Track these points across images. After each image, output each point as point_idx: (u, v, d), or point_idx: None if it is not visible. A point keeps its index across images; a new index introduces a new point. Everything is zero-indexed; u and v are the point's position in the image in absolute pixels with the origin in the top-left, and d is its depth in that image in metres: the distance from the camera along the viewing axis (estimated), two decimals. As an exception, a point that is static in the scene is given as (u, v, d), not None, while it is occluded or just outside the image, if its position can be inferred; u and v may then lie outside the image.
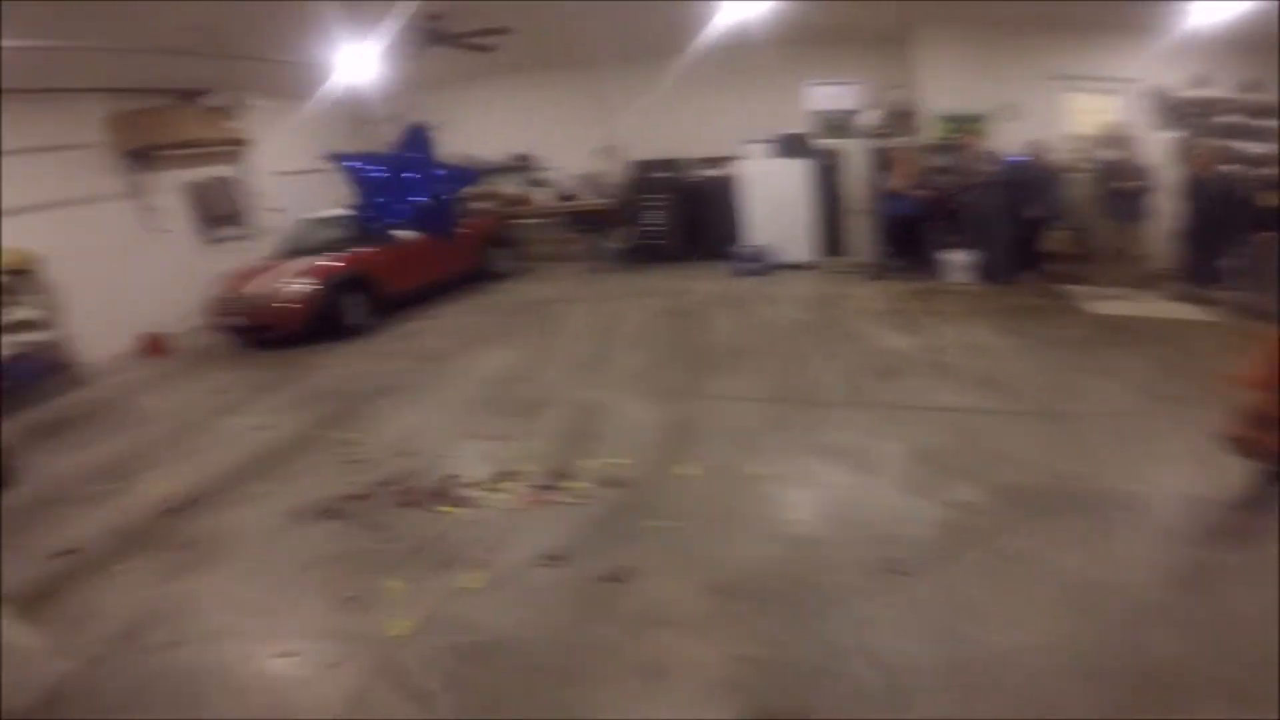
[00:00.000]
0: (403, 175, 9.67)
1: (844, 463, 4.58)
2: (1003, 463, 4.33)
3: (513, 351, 8.20)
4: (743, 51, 10.21)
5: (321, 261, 9.91)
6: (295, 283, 9.50)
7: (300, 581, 4.10)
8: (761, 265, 10.54)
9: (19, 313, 9.01)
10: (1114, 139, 9.47)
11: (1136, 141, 9.45)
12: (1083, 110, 10.06)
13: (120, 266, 10.12)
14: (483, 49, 8.89)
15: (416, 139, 10.04)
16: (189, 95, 10.59)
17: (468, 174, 11.79)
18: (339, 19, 7.49)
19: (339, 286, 9.74)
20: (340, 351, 9.10)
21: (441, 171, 10.54)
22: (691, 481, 4.63)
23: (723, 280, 10.38)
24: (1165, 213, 8.88)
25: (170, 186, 11.09)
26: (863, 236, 10.12)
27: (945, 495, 3.99)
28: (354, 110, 11.85)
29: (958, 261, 9.05)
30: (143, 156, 10.54)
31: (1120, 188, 9.05)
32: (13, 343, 8.87)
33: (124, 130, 10.31)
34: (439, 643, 3.36)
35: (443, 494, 4.85)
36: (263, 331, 9.64)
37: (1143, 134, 9.74)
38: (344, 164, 9.81)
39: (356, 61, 8.46)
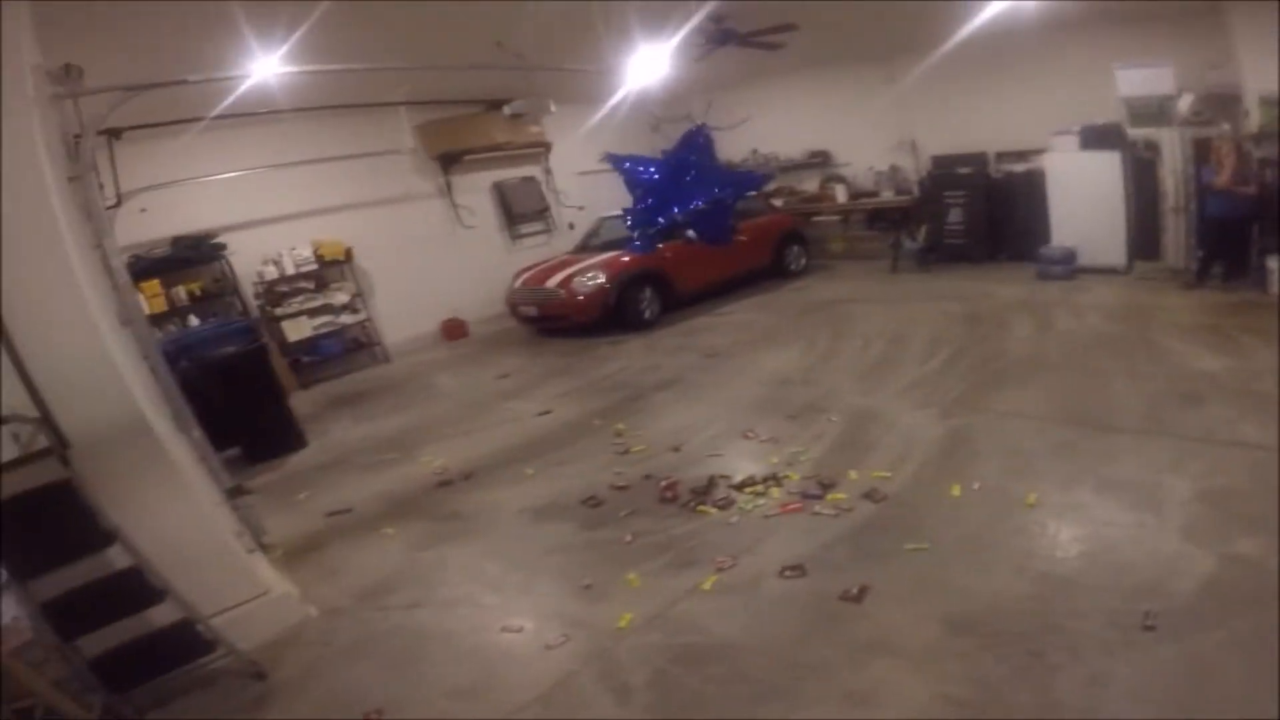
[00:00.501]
0: (678, 178, 9.96)
1: (1122, 498, 4.26)
2: (1302, 516, 3.79)
3: (797, 352, 8.31)
4: (1040, 33, 9.67)
5: (616, 257, 10.51)
6: (589, 277, 10.15)
7: (545, 563, 4.53)
8: (1067, 269, 9.82)
9: (332, 296, 10.48)
10: None
11: None
12: None
13: (428, 258, 11.57)
14: (771, 47, 8.96)
15: (695, 141, 10.29)
16: (493, 104, 11.52)
17: (750, 179, 11.96)
18: (630, 25, 7.88)
19: (632, 281, 10.32)
20: (628, 344, 9.64)
21: (721, 175, 10.75)
22: (956, 503, 4.52)
23: (1025, 284, 9.81)
24: None
25: (476, 187, 12.34)
26: (1179, 238, 9.09)
27: (1226, 547, 3.60)
28: (648, 112, 12.39)
29: (1285, 271, 7.92)
30: (452, 160, 11.78)
31: None
32: (324, 322, 10.35)
33: (435, 137, 11.59)
34: (658, 640, 3.60)
35: (703, 493, 5.10)
36: (556, 321, 10.45)
37: None
38: (618, 165, 10.29)
39: (647, 66, 8.77)
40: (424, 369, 10.07)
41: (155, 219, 9.21)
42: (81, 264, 3.75)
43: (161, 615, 3.57)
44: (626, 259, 10.52)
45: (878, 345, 8.10)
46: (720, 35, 8.60)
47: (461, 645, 3.84)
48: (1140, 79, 9.28)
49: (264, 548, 4.90)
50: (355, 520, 5.57)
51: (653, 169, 10.29)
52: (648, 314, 10.45)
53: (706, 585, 3.97)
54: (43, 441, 3.43)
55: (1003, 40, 9.54)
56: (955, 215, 11.39)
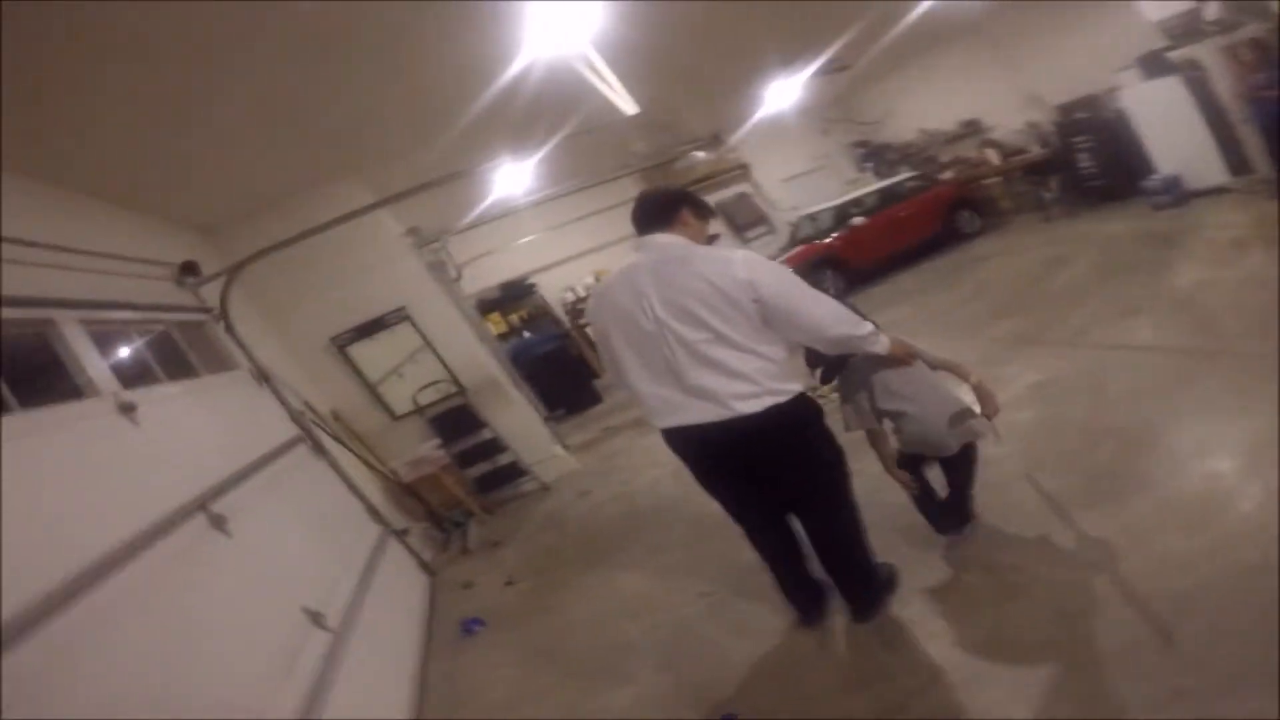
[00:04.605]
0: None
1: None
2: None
3: (906, 310, 10.33)
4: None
5: (802, 250, 13.49)
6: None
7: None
8: (1174, 195, 9.99)
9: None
10: None
11: None
12: None
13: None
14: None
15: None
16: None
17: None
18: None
19: (814, 266, 12.85)
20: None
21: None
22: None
23: (1138, 218, 10.08)
24: None
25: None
26: (1259, 148, 8.78)
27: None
28: (822, 117, 15.73)
29: None
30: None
31: None
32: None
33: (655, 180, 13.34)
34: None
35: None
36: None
37: None
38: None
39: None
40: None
41: (488, 274, 14.26)
42: (459, 312, 9.20)
43: (505, 459, 9.09)
44: (809, 248, 13.53)
45: (991, 294, 9.53)
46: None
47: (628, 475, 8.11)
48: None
49: (565, 446, 9.70)
50: (612, 432, 10.30)
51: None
52: (832, 291, 12.66)
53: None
54: (454, 389, 9.02)
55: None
56: (1085, 160, 11.70)
